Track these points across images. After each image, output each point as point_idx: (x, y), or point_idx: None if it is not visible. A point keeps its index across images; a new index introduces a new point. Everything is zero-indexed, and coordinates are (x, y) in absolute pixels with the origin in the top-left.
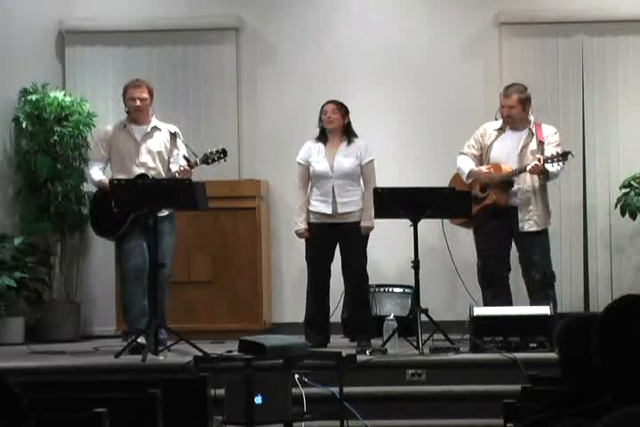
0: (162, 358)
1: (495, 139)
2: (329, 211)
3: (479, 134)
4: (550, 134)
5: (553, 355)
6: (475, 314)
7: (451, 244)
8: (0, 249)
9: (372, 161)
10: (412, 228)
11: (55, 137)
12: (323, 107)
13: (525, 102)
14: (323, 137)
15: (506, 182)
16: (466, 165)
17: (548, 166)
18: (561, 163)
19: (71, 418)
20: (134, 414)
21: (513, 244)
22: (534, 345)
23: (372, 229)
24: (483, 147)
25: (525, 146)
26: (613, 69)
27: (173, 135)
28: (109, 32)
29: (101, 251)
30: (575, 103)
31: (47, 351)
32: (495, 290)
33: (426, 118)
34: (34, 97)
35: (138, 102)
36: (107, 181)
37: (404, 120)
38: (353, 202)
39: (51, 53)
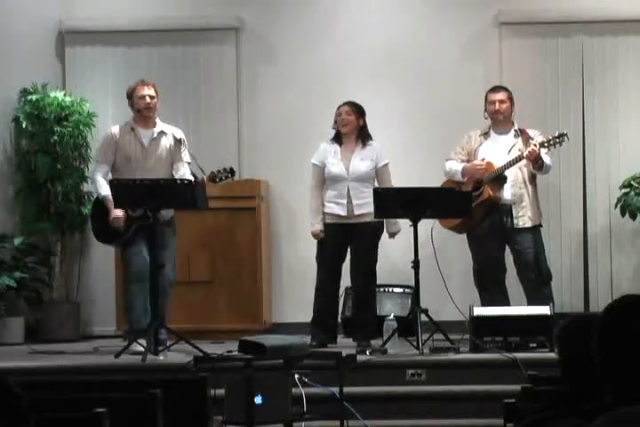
0: (162, 358)
1: (481, 143)
2: (344, 213)
3: (464, 141)
4: (536, 135)
5: (553, 355)
6: (475, 314)
7: (444, 246)
8: (0, 249)
9: (387, 164)
10: (412, 228)
11: (55, 137)
12: (338, 108)
13: (512, 100)
14: (338, 139)
15: (499, 177)
16: (457, 164)
17: (543, 155)
18: (559, 145)
19: (71, 418)
20: (134, 414)
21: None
22: (534, 345)
23: (399, 232)
24: (469, 152)
25: (513, 145)
26: (613, 69)
27: (178, 141)
28: (109, 32)
29: (101, 251)
30: (575, 103)
31: (47, 351)
32: (492, 292)
33: (426, 118)
34: (34, 97)
35: (148, 99)
36: (110, 199)
37: (404, 120)
38: (367, 204)
39: (51, 53)
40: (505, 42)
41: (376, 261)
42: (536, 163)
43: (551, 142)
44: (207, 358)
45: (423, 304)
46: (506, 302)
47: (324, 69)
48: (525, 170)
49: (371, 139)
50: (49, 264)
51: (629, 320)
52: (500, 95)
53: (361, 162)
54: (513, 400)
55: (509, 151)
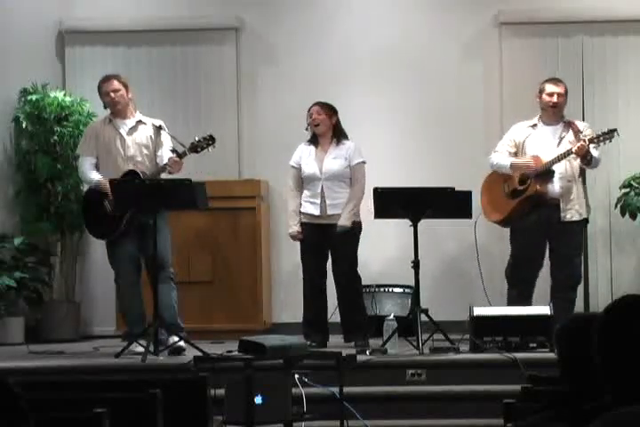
0: (162, 358)
1: (529, 135)
2: (317, 212)
3: (512, 133)
4: (585, 128)
5: (553, 355)
6: (475, 314)
7: (445, 246)
8: (0, 249)
9: (361, 163)
10: (412, 228)
11: (55, 137)
12: (309, 110)
13: (567, 94)
14: (314, 139)
15: (547, 172)
16: (504, 158)
17: (592, 150)
18: (609, 141)
19: (71, 418)
20: (134, 414)
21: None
22: (534, 345)
23: (348, 227)
24: (517, 144)
25: (563, 137)
26: (613, 69)
27: (158, 128)
28: (109, 32)
29: (101, 251)
30: (575, 103)
31: (47, 351)
32: (521, 290)
33: (426, 118)
34: (34, 97)
35: (112, 95)
36: (104, 181)
37: (403, 120)
38: (341, 204)
39: (51, 53)
40: (505, 42)
41: (355, 260)
42: (585, 158)
43: (601, 138)
44: (207, 358)
45: (423, 304)
46: (529, 302)
47: (324, 69)
48: (575, 163)
49: (346, 138)
50: (49, 264)
51: (629, 320)
52: (560, 88)
53: (333, 161)
54: (513, 400)
55: (559, 144)
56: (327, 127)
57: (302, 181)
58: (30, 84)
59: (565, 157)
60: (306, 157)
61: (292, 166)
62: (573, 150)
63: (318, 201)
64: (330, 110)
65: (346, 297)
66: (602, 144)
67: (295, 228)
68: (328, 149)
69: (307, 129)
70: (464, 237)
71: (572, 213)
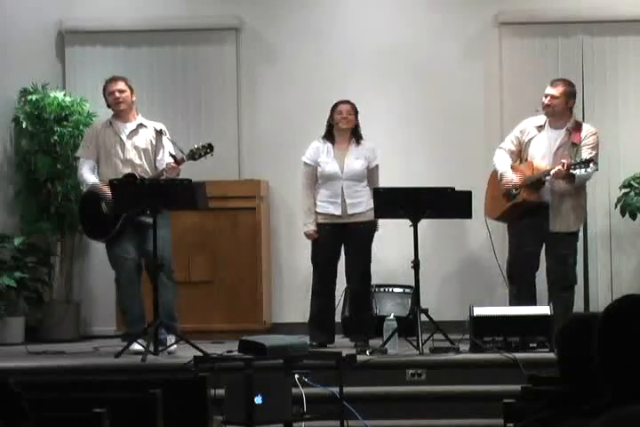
0: (162, 357)
1: (534, 136)
2: (338, 212)
3: (519, 130)
4: (588, 135)
5: (553, 355)
6: (475, 314)
7: (445, 246)
8: (0, 249)
9: (377, 166)
10: (412, 228)
11: (55, 137)
12: (336, 106)
13: (569, 97)
14: (330, 137)
15: (537, 182)
16: (502, 162)
17: (581, 172)
18: (584, 169)
19: (71, 418)
20: (134, 414)
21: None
22: (534, 345)
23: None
24: (521, 143)
25: (562, 146)
26: (613, 69)
27: (159, 132)
28: (109, 32)
29: (101, 251)
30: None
31: (47, 351)
32: (520, 287)
33: (426, 118)
34: (34, 97)
35: (117, 94)
36: (100, 185)
37: (403, 120)
38: (361, 203)
39: (51, 53)
40: (505, 42)
41: (370, 260)
42: (565, 178)
43: (576, 167)
44: (207, 358)
45: (423, 304)
46: (532, 299)
47: (324, 69)
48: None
49: (361, 138)
50: (49, 264)
51: (629, 320)
52: (554, 90)
53: (355, 161)
54: (513, 400)
55: (556, 150)
56: (352, 127)
57: (317, 180)
58: (30, 84)
59: (545, 176)
60: (324, 155)
61: (307, 163)
62: (552, 173)
63: (339, 201)
64: (355, 110)
65: (358, 296)
66: (580, 172)
67: (311, 226)
68: (348, 148)
69: (327, 125)
70: (465, 236)
71: (560, 225)
